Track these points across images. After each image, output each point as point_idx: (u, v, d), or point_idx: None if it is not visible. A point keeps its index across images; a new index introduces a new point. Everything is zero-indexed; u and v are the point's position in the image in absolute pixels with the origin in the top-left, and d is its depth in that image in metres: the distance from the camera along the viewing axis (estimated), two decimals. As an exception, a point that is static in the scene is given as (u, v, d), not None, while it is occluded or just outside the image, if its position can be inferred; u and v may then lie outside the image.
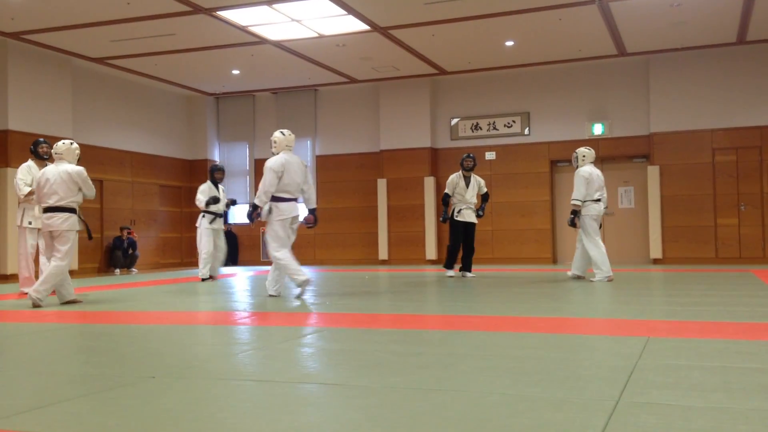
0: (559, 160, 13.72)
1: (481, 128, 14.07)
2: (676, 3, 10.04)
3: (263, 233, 15.33)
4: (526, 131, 13.82)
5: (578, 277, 8.44)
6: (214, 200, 9.62)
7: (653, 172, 12.86)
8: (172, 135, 15.15)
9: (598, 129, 13.38)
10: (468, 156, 9.50)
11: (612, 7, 10.18)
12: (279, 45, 11.77)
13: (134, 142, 14.11)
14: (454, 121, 14.28)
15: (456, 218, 9.33)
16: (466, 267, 9.55)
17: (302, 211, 7.06)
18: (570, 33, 11.35)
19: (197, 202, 9.68)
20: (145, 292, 8.08)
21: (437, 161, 14.33)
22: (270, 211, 6.75)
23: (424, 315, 5.44)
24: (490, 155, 13.93)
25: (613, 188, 13.57)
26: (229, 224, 15.85)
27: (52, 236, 6.43)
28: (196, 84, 14.61)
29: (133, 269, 13.23)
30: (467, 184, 9.39)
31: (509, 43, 11.90)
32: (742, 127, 12.48)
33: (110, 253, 13.26)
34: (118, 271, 12.88)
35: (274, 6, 9.83)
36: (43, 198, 6.44)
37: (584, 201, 8.18)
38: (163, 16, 10.10)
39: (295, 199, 6.92)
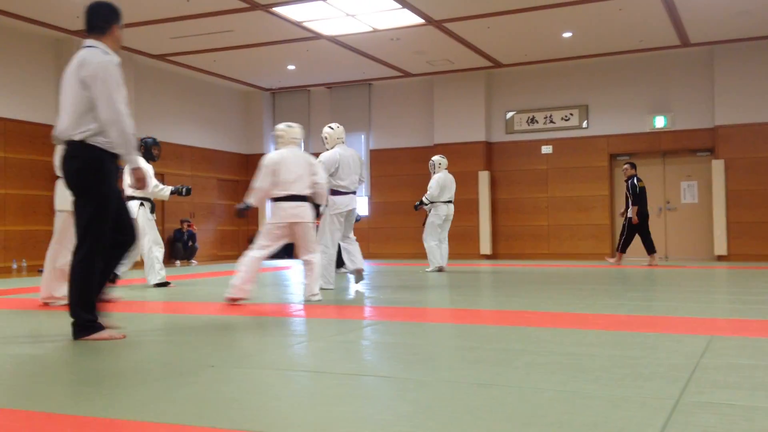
0: (618, 153, 13.42)
1: (537, 121, 13.87)
2: (743, -10, 9.69)
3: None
4: (585, 124, 13.56)
5: (440, 269, 9.57)
6: (187, 191, 7.53)
7: (718, 166, 12.46)
8: (229, 130, 15.43)
9: (660, 122, 13.03)
10: None
11: (674, -4, 9.89)
12: (333, 40, 11.84)
13: (193, 137, 14.43)
14: (509, 115, 14.11)
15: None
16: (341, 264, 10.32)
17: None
18: (630, 23, 11.07)
19: (152, 188, 7.18)
20: (203, 283, 8.26)
21: (492, 155, 14.19)
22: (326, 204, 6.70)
23: (479, 310, 5.40)
24: (546, 149, 13.72)
25: (675, 182, 13.21)
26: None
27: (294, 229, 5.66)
28: (252, 79, 14.84)
29: (193, 261, 13.54)
30: None
31: (567, 35, 11.69)
32: (812, 118, 11.97)
33: (171, 245, 13.60)
34: (178, 262, 13.21)
35: (329, 1, 9.89)
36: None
37: (433, 201, 9.75)
38: (221, 12, 10.29)
39: (353, 192, 7.05)
